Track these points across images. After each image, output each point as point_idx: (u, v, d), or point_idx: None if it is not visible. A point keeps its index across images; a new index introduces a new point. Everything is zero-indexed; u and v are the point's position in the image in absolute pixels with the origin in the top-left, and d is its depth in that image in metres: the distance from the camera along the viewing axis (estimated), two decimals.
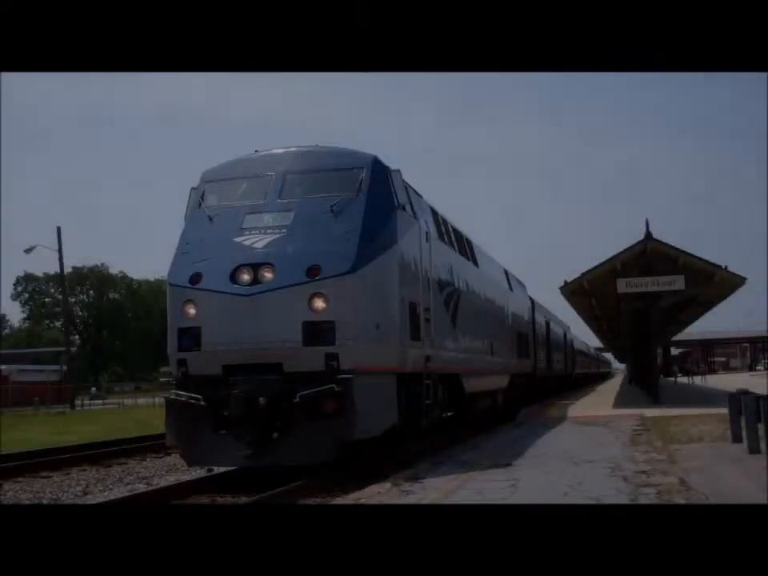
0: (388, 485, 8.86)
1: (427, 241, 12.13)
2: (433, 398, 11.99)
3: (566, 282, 23.96)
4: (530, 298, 27.08)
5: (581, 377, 52.31)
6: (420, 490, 8.39)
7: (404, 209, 11.07)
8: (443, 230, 14.09)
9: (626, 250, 22.81)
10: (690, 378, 50.11)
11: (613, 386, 49.16)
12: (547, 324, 31.28)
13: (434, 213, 13.61)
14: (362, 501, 7.88)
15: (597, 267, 23.34)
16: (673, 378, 51.73)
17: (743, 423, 10.43)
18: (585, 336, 62.59)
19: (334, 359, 9.35)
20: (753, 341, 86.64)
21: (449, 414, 16.64)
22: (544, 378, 29.07)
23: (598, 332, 49.10)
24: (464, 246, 16.13)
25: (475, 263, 17.01)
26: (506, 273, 22.50)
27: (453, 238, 14.91)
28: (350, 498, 8.19)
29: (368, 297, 9.75)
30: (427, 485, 8.71)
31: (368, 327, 9.63)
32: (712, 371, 75.68)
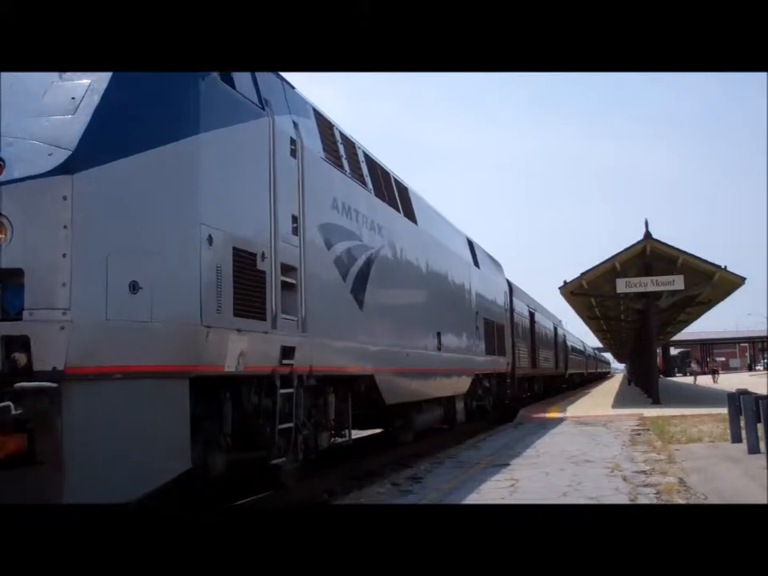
0: (388, 485, 8.86)
1: (295, 156, 7.53)
2: (306, 416, 7.75)
3: (565, 282, 23.99)
4: (507, 281, 22.17)
5: (577, 378, 49.01)
6: (420, 489, 8.39)
7: (229, 82, 6.48)
8: (342, 153, 9.25)
9: (625, 250, 22.84)
10: (715, 377, 45.14)
11: (611, 387, 49.07)
12: (531, 315, 26.72)
13: (323, 122, 8.86)
14: (362, 501, 7.89)
15: (596, 267, 23.37)
16: (693, 378, 48.23)
17: (742, 423, 10.45)
18: (585, 336, 62.25)
19: (21, 348, 4.70)
20: (752, 341, 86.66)
21: (373, 431, 13.42)
22: (526, 380, 24.96)
23: (598, 332, 49.07)
24: (390, 191, 11.21)
25: (411, 218, 12.02)
26: (471, 244, 17.38)
27: (365, 173, 10.07)
28: (350, 498, 8.20)
29: (108, 225, 5.05)
30: (427, 485, 8.72)
31: (107, 285, 4.95)
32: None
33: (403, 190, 12.10)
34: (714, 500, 6.82)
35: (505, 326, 20.02)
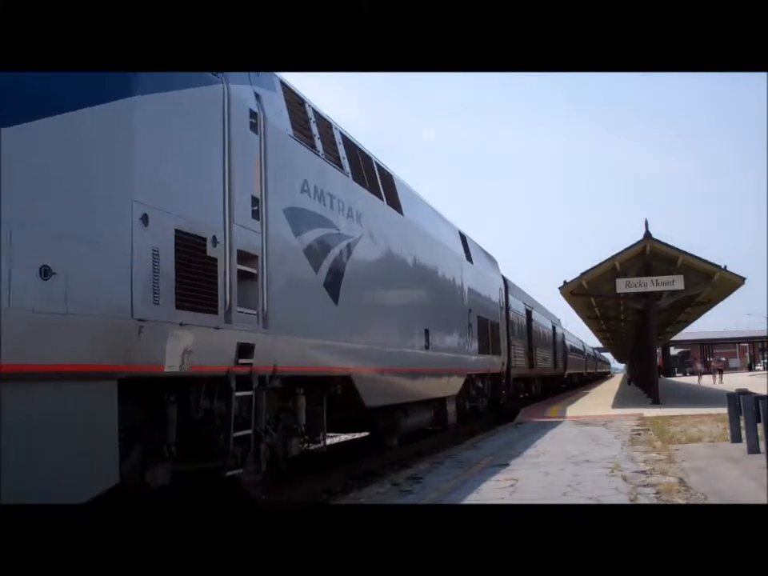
0: (388, 485, 8.87)
1: (256, 131, 6.72)
2: (273, 421, 7.25)
3: (565, 282, 24.00)
4: (503, 278, 21.20)
5: (576, 378, 48.27)
6: (420, 489, 8.40)
7: None
8: (315, 132, 8.39)
9: (625, 250, 22.87)
10: (719, 377, 43.77)
11: (611, 387, 49.06)
12: (528, 313, 25.89)
13: (293, 97, 7.99)
14: (362, 501, 7.89)
15: (596, 267, 23.39)
16: (697, 377, 47.19)
17: (742, 423, 10.45)
18: (585, 336, 62.11)
19: None
20: (752, 341, 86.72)
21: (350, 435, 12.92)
22: (523, 380, 24.11)
23: (598, 332, 49.07)
24: (372, 176, 10.35)
25: (396, 207, 11.18)
26: (464, 237, 16.40)
27: (342, 155, 9.20)
28: (350, 498, 8.20)
29: (13, 199, 4.27)
30: (427, 485, 8.72)
31: (10, 269, 4.20)
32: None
33: (387, 177, 11.18)
34: (713, 500, 6.82)
35: (500, 325, 19.15)
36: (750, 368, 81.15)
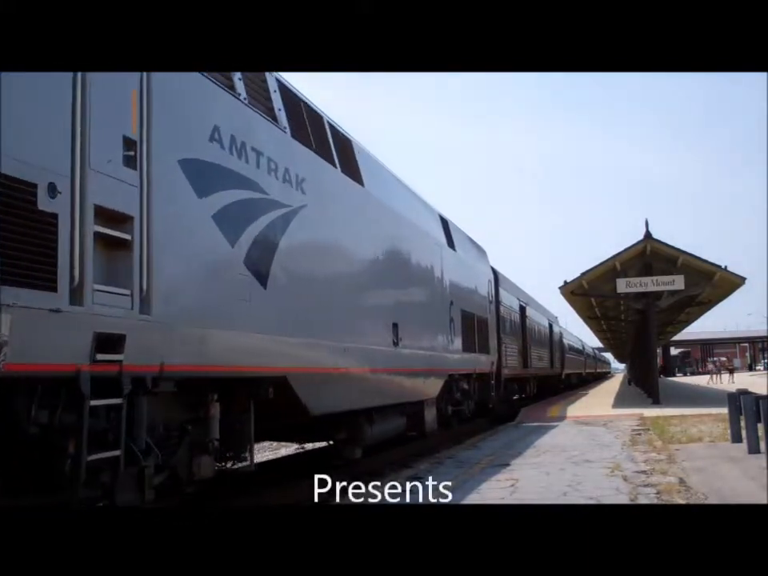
0: (388, 485, 8.87)
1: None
2: (177, 435, 5.97)
3: (565, 282, 24.01)
4: (493, 270, 19.40)
5: (574, 378, 46.98)
6: (420, 490, 8.40)
7: None
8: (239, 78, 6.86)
9: (625, 250, 22.88)
10: (730, 377, 43.48)
11: (611, 387, 49.04)
12: (522, 309, 24.40)
13: None
14: (362, 501, 7.89)
15: (596, 267, 23.40)
16: (709, 377, 46.52)
17: (743, 423, 10.45)
18: (586, 336, 61.95)
19: None
20: (752, 341, 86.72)
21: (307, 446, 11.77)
22: (516, 380, 22.65)
23: (598, 332, 49.05)
24: (322, 138, 8.72)
25: (354, 177, 9.57)
26: (445, 222, 14.59)
27: (277, 106, 7.56)
28: (350, 498, 8.20)
29: None
30: (427, 485, 8.72)
31: None
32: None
33: (343, 141, 9.48)
34: (713, 500, 6.82)
35: (488, 320, 17.32)
36: (751, 368, 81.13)
